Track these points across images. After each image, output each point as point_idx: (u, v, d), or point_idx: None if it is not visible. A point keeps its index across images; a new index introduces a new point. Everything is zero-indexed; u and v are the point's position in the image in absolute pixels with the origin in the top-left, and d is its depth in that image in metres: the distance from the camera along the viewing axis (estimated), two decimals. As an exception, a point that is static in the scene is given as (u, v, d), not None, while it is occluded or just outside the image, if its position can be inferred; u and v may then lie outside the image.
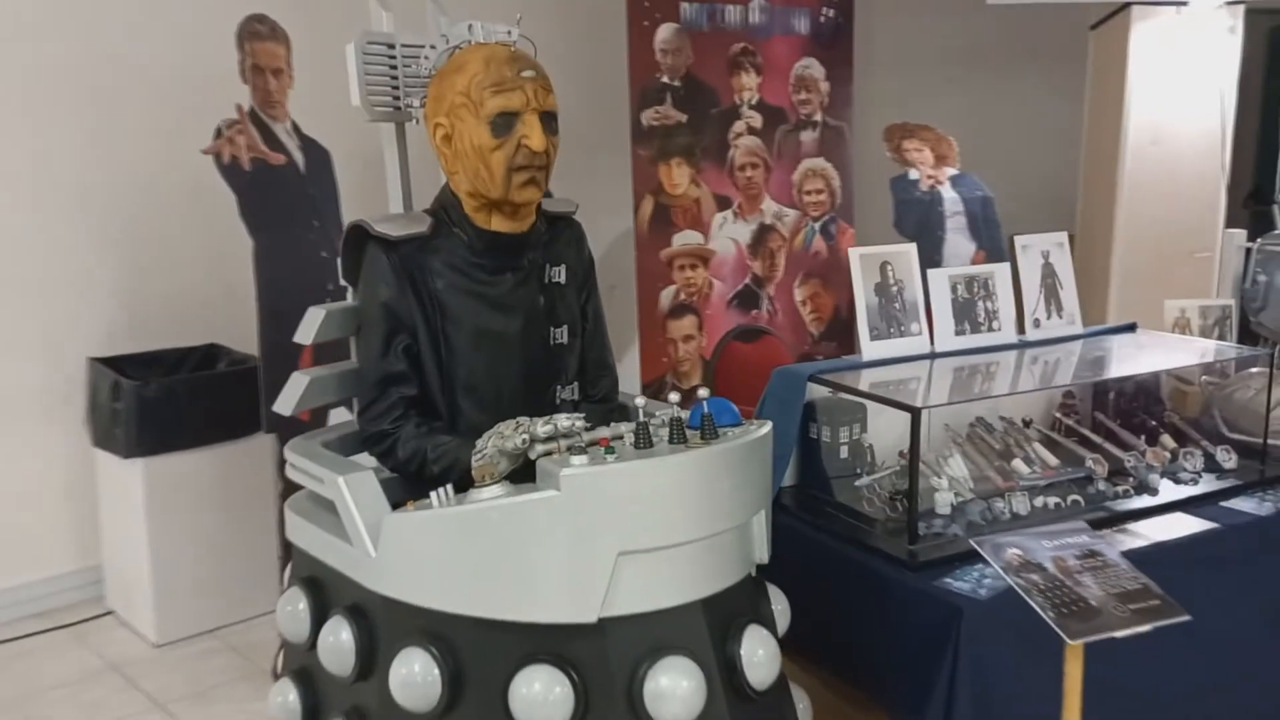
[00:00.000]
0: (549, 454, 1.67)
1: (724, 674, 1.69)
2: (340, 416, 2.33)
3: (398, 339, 1.93)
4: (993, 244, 4.89)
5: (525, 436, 1.67)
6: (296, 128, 3.39)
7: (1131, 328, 2.93)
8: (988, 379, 2.54)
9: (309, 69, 3.37)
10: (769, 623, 1.82)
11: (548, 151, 1.91)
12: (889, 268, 2.56)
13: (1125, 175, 5.06)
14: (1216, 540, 2.27)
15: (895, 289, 2.55)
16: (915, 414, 2.13)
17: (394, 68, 2.05)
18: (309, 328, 1.96)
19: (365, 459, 1.97)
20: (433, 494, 1.65)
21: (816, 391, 2.46)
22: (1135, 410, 2.80)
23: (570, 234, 2.14)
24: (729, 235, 4.53)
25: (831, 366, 2.49)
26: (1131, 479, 2.49)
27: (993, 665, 1.96)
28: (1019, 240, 2.75)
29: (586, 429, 1.69)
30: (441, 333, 1.95)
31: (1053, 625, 1.47)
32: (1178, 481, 2.52)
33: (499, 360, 1.97)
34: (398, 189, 2.11)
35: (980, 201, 4.94)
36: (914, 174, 5.00)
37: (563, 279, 2.07)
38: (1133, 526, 2.30)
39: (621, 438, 1.70)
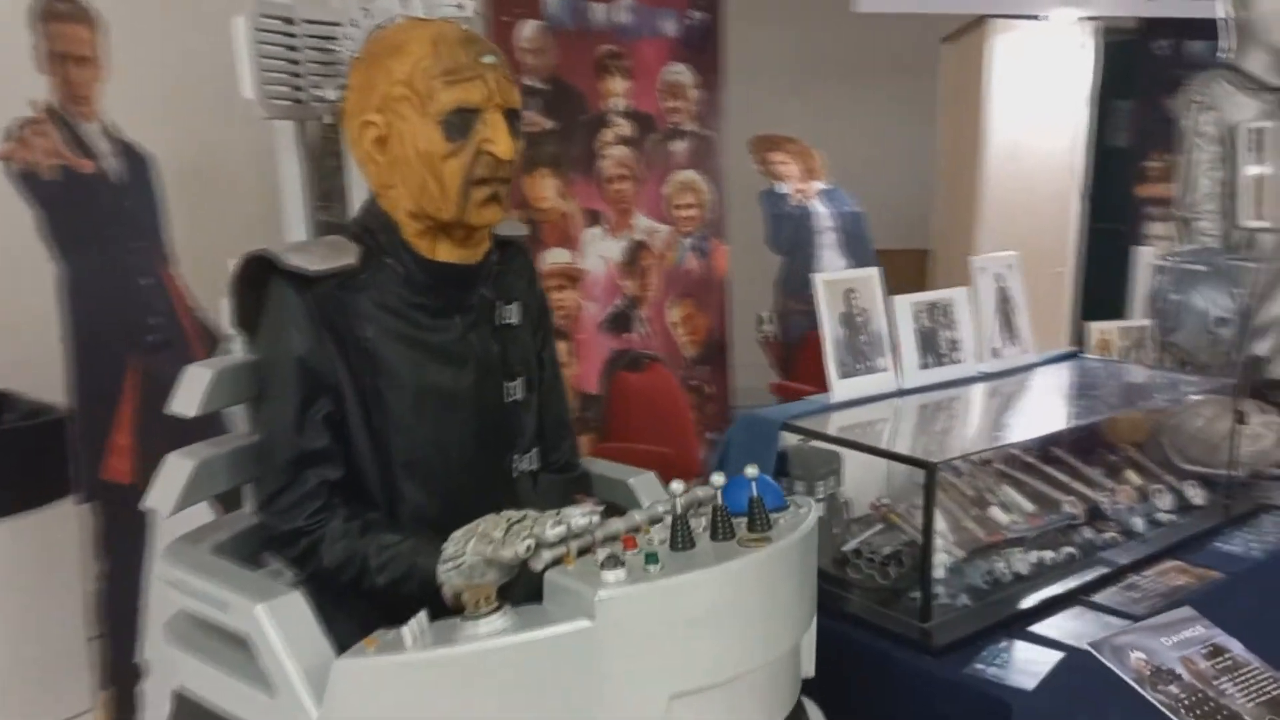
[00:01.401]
0: (557, 561, 1.25)
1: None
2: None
3: (317, 406, 1.46)
4: (864, 261, 4.73)
5: (530, 543, 1.24)
6: (110, 129, 2.78)
7: (1075, 354, 2.76)
8: (967, 420, 2.28)
9: (126, 57, 2.77)
10: (813, 748, 1.46)
11: (512, 160, 1.49)
12: (853, 295, 2.25)
13: (986, 191, 5.02)
14: (1226, 592, 2.07)
15: (860, 319, 2.26)
16: (931, 470, 1.83)
17: (294, 49, 1.57)
18: (191, 394, 1.46)
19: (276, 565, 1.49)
20: (405, 629, 1.20)
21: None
22: (1089, 443, 2.61)
23: (521, 263, 1.72)
24: (600, 253, 4.15)
25: (799, 411, 2.16)
26: (1113, 523, 2.28)
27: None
28: (975, 262, 2.51)
29: (600, 524, 1.29)
30: (374, 394, 1.49)
31: (1225, 757, 1.19)
32: (1155, 523, 2.33)
33: (448, 426, 1.54)
34: (299, 206, 1.63)
35: (851, 217, 4.78)
36: (783, 188, 4.79)
37: (515, 319, 1.65)
38: (1139, 581, 2.08)
39: (639, 531, 1.31)
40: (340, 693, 1.21)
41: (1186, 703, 1.26)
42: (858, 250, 4.70)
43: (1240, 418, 2.57)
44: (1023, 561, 2.07)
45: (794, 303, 4.71)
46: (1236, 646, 1.38)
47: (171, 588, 1.40)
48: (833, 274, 2.23)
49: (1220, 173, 3.34)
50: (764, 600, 1.25)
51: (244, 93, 1.51)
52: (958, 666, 1.77)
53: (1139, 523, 2.30)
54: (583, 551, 1.28)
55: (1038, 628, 1.89)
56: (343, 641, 1.33)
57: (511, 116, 1.49)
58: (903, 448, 2.02)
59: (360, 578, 1.43)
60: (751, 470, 1.33)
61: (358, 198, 1.72)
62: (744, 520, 1.32)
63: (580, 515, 1.26)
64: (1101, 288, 5.15)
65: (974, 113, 4.97)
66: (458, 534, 1.37)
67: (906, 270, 5.25)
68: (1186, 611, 1.43)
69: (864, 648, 1.88)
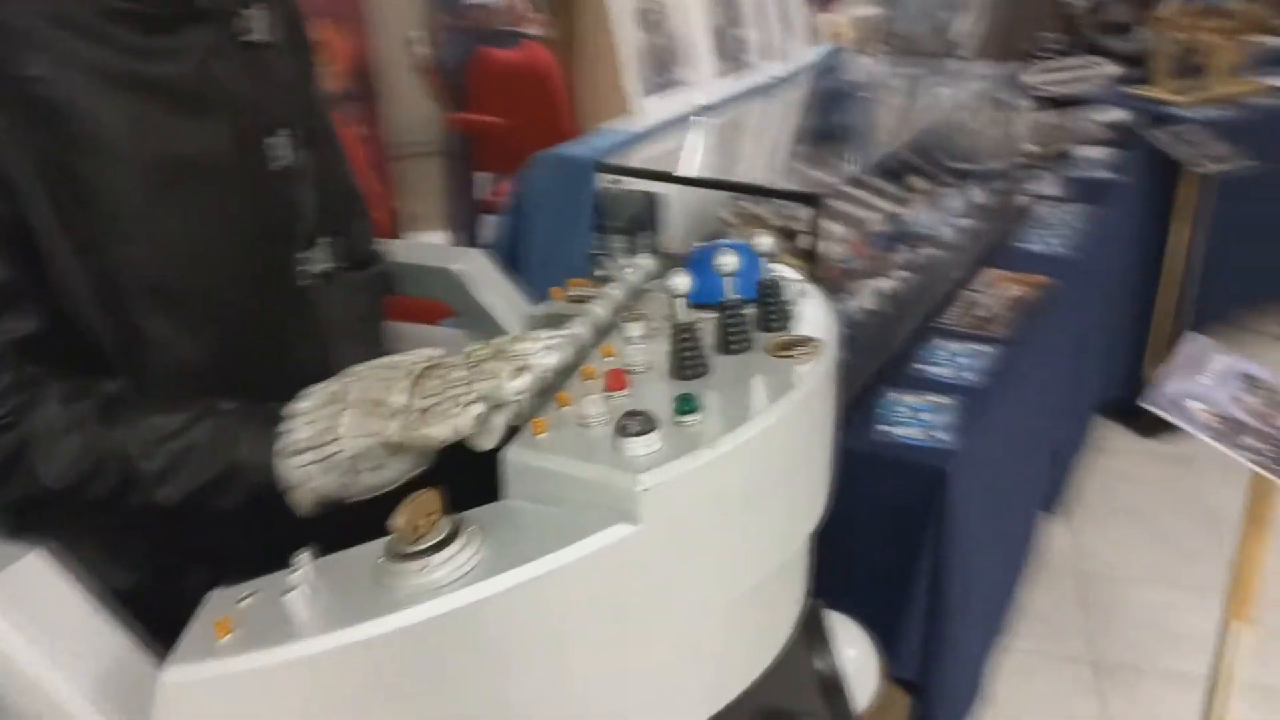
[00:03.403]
0: (514, 431, 0.76)
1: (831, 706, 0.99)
2: None
3: (-33, 209, 0.80)
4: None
5: (480, 408, 0.73)
6: None
7: (839, 50, 2.46)
8: (797, 140, 1.92)
9: None
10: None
11: None
12: (649, -14, 1.76)
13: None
14: (1063, 294, 1.95)
15: (656, 17, 1.77)
16: (816, 202, 1.47)
17: None
18: None
19: None
20: (287, 595, 0.67)
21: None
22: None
23: (262, -57, 1.07)
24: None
25: (606, 146, 1.69)
26: (923, 238, 2.08)
27: (972, 541, 1.47)
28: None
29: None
30: (70, 179, 0.85)
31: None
32: (958, 231, 2.16)
33: (202, 218, 0.93)
34: None
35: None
36: None
37: (263, 34, 1.02)
38: (978, 299, 1.91)
39: (586, 354, 0.84)
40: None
41: (1273, 455, 1.05)
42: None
43: (1010, 109, 2.43)
44: (867, 296, 1.81)
45: (449, 17, 4.04)
46: (1259, 370, 1.20)
47: None
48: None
49: None
50: (822, 433, 0.85)
51: None
52: (862, 432, 1.49)
53: (947, 233, 2.11)
54: (546, 393, 0.79)
55: (918, 369, 1.65)
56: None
57: None
58: (750, 178, 1.63)
59: (122, 493, 0.84)
60: (765, 241, 0.88)
61: None
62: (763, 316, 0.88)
63: (541, 349, 0.75)
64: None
65: None
66: (305, 405, 0.82)
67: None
68: (1201, 341, 1.22)
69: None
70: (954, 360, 1.66)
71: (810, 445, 0.82)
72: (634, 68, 1.70)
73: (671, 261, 0.99)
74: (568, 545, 0.68)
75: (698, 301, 0.89)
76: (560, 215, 1.58)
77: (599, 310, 0.91)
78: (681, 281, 0.80)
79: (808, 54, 2.21)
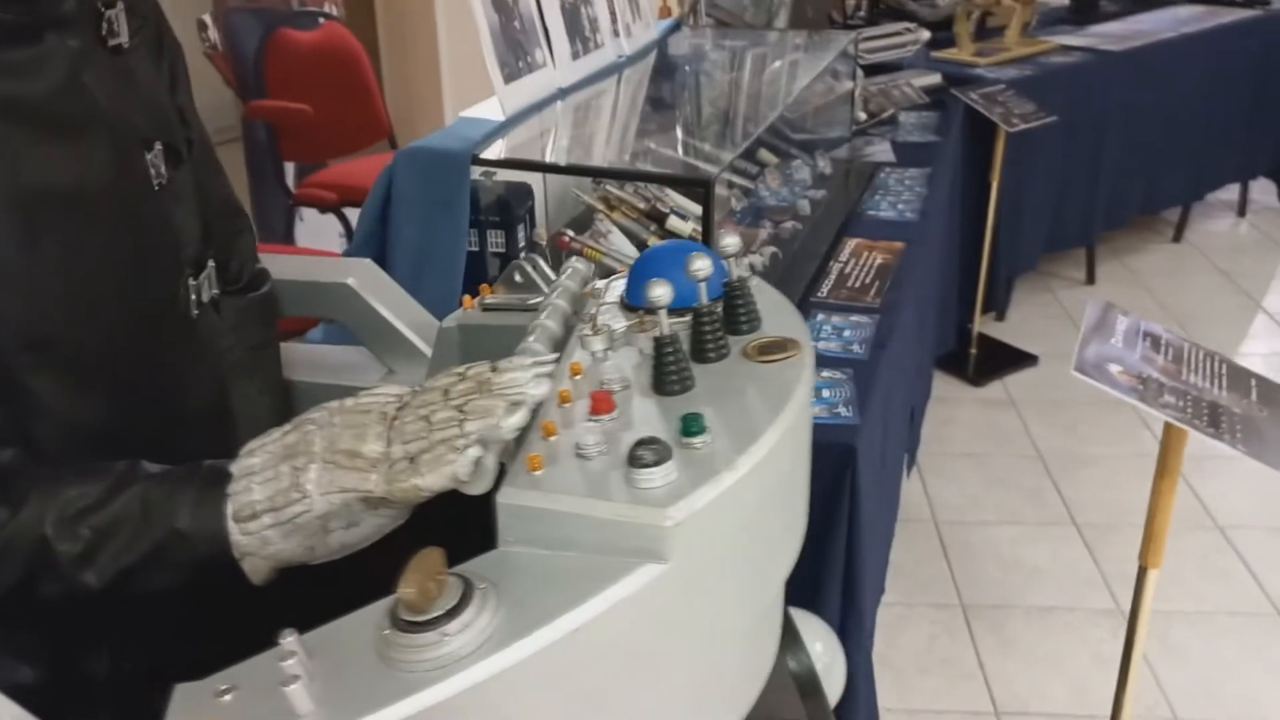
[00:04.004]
0: (502, 471, 0.70)
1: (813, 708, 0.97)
2: None
3: None
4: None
5: (475, 452, 0.66)
6: None
7: (678, 24, 2.44)
8: (662, 119, 1.88)
9: None
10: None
11: None
12: (500, -34, 1.67)
13: None
14: (917, 256, 2.00)
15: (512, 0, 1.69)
16: (709, 186, 1.44)
17: None
18: None
19: None
20: (291, 687, 0.59)
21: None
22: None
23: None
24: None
25: (476, 136, 1.60)
26: (782, 211, 2.10)
27: (873, 510, 1.49)
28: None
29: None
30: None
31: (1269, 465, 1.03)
32: (813, 203, 2.18)
33: (86, 254, 0.82)
34: None
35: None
36: None
37: (125, 38, 0.90)
38: (846, 270, 1.93)
39: (551, 372, 0.78)
40: None
41: (1191, 410, 1.09)
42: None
43: (845, 78, 2.47)
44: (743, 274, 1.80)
45: (238, -1, 3.79)
46: (1159, 329, 1.24)
47: None
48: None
49: None
50: (807, 435, 0.82)
51: None
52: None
53: (805, 205, 2.13)
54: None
55: (806, 346, 1.66)
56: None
57: None
58: (616, 160, 1.59)
59: (31, 583, 0.73)
60: (732, 240, 0.83)
61: None
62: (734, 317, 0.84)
63: (531, 379, 0.69)
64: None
65: None
66: (258, 461, 0.72)
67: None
68: (1102, 304, 1.26)
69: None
70: (840, 335, 1.67)
71: (802, 449, 0.79)
72: (493, 53, 1.62)
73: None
74: (595, 594, 0.62)
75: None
76: (435, 214, 1.49)
77: (552, 325, 0.85)
78: (664, 292, 0.75)
79: (651, 30, 2.17)
